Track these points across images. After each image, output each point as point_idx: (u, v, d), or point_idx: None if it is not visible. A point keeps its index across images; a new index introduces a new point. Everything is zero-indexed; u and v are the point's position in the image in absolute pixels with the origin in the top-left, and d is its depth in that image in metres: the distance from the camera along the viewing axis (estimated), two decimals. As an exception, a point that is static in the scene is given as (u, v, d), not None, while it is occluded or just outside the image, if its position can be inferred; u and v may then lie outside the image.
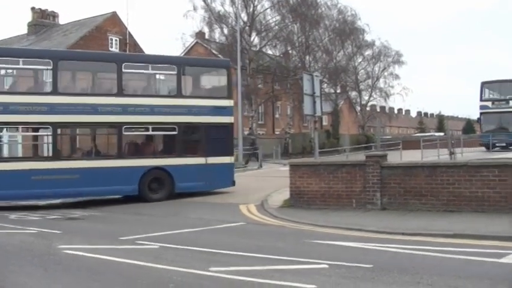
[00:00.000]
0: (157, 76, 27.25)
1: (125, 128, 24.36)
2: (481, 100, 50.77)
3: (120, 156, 24.46)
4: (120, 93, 24.35)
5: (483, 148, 48.18)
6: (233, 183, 26.52)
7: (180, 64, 26.18)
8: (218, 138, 25.80)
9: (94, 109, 23.77)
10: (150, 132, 25.78)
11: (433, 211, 17.17)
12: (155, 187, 24.81)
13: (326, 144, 58.03)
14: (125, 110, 24.19)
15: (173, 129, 25.33)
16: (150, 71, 26.05)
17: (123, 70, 24.45)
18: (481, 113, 51.10)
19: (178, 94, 25.57)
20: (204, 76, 29.02)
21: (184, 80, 26.51)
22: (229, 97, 27.07)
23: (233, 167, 27.51)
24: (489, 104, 50.41)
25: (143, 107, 24.64)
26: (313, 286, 8.86)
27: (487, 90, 51.53)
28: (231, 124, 26.94)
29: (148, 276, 10.10)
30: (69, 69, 25.90)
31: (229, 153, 27.01)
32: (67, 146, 25.90)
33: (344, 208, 18.88)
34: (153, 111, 24.72)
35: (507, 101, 50.18)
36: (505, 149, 46.34)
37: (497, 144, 48.12)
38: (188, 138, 26.26)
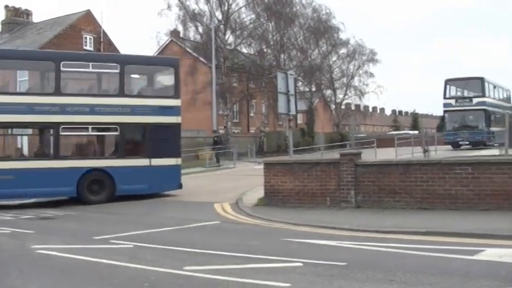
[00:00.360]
0: (98, 75, 26.57)
1: (63, 128, 23.77)
2: (445, 98, 50.84)
3: (57, 157, 23.83)
4: (58, 92, 23.77)
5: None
6: (180, 186, 25.74)
7: (123, 62, 25.44)
8: (164, 139, 25.01)
9: (30, 109, 23.20)
10: (90, 133, 25.25)
11: (407, 209, 17.25)
12: (96, 189, 24.14)
13: (301, 142, 58.09)
14: (62, 109, 23.59)
15: (115, 130, 24.84)
16: (91, 70, 25.46)
17: (62, 69, 23.84)
18: (444, 111, 51.20)
19: (121, 93, 24.95)
20: (150, 75, 28.34)
21: (128, 78, 25.98)
22: (176, 96, 26.26)
23: (180, 168, 26.41)
24: (452, 101, 50.44)
25: (82, 106, 24.06)
26: (288, 284, 8.87)
27: (451, 88, 51.62)
28: (178, 124, 26.05)
29: (123, 275, 10.08)
30: (4, 68, 25.51)
31: (176, 154, 26.04)
32: (2, 146, 25.25)
33: (318, 206, 18.93)
34: (93, 110, 24.12)
35: (471, 98, 50.33)
36: (475, 147, 46.40)
37: (460, 143, 48.18)
38: (131, 139, 25.67)
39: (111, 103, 24.65)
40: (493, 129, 48.78)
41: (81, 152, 25.45)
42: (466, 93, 51.69)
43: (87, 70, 25.44)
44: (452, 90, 51.63)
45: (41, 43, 51.80)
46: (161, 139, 24.92)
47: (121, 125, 24.57)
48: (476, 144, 46.65)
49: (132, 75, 27.14)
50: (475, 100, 49.67)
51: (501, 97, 56.14)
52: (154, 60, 30.17)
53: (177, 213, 19.99)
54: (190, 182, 31.97)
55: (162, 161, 24.99)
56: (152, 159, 24.86)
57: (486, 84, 50.71)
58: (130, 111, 24.67)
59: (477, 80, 50.70)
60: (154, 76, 28.37)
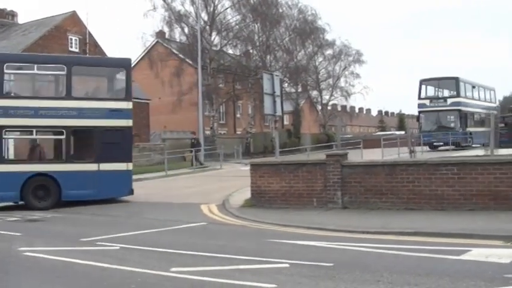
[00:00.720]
0: (44, 76, 25.86)
1: (6, 131, 23.26)
2: (419, 98, 50.49)
3: (0, 160, 23.17)
4: (1, 94, 23.19)
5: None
6: (131, 192, 24.82)
7: (71, 64, 24.61)
8: (114, 143, 24.07)
9: None
10: (34, 136, 24.53)
11: (394, 209, 17.31)
12: (41, 194, 23.26)
13: (287, 143, 58.23)
14: (5, 112, 22.94)
15: (60, 133, 23.98)
16: (36, 72, 24.53)
17: (5, 71, 23.33)
18: (419, 112, 50.83)
19: (68, 95, 24.06)
20: (100, 76, 27.39)
21: (76, 80, 25.02)
22: (127, 99, 25.16)
23: (131, 174, 25.31)
24: (427, 102, 50.07)
25: (26, 109, 23.27)
26: (274, 285, 8.86)
27: (427, 88, 51.25)
28: (129, 128, 25.09)
29: (110, 277, 10.05)
30: None
31: (127, 159, 24.81)
32: None
33: (305, 207, 18.94)
34: (37, 113, 23.29)
35: (445, 99, 50.07)
36: (459, 147, 46.21)
37: (435, 144, 47.78)
38: (79, 143, 24.84)
39: (57, 106, 23.92)
40: (470, 129, 48.66)
41: (26, 156, 24.91)
42: (441, 94, 51.42)
43: (33, 72, 24.61)
44: (427, 91, 51.28)
45: (26, 44, 51.69)
46: (111, 143, 24.07)
47: (67, 128, 23.82)
48: (458, 145, 46.56)
49: (81, 77, 26.08)
50: (449, 100, 49.41)
51: (482, 97, 55.76)
52: (104, 61, 29.23)
53: (163, 215, 19.94)
54: (176, 183, 32.08)
55: (112, 165, 24.12)
56: (101, 164, 24.01)
57: (462, 84, 50.41)
58: (77, 114, 23.91)
59: (451, 79, 50.46)
60: (104, 78, 27.46)
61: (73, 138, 24.38)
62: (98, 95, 26.58)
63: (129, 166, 24.98)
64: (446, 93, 50.91)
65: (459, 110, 48.55)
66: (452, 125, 48.94)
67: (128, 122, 24.88)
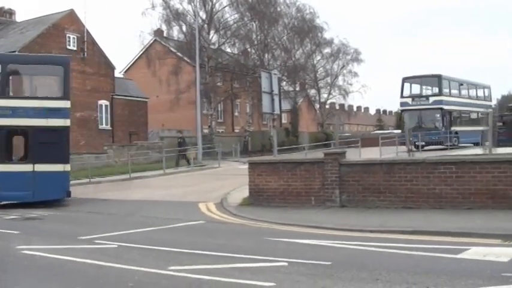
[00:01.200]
0: None
1: None
2: (402, 97, 49.48)
3: None
4: None
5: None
6: (68, 194, 24.30)
7: (6, 62, 24.41)
8: (50, 144, 23.40)
9: None
10: None
11: (392, 208, 17.30)
12: None
13: (285, 142, 58.07)
14: None
15: None
16: None
17: None
18: (401, 110, 50.29)
19: (1, 94, 23.75)
20: (36, 75, 26.42)
21: (11, 78, 24.77)
22: (65, 98, 24.62)
23: (68, 175, 24.87)
24: (409, 100, 49.10)
25: None
26: (272, 284, 8.86)
27: (410, 86, 50.31)
28: (67, 128, 24.56)
29: (107, 275, 10.05)
30: None
31: (63, 160, 24.21)
32: None
33: (303, 206, 18.95)
34: None
35: (427, 97, 49.09)
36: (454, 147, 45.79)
37: (416, 143, 47.01)
38: (13, 143, 24.59)
39: None
40: (456, 128, 48.13)
41: None
42: (425, 92, 50.30)
43: None
44: (410, 89, 50.30)
45: (24, 42, 51.56)
46: (47, 143, 23.40)
47: (1, 128, 23.51)
48: (437, 144, 46.01)
49: (16, 75, 25.84)
50: (431, 99, 48.34)
51: (473, 95, 54.87)
52: (41, 59, 28.44)
53: (161, 213, 19.96)
54: (174, 181, 32.07)
55: (47, 167, 23.54)
56: (36, 165, 23.51)
57: (445, 81, 49.43)
58: (11, 113, 23.53)
59: (434, 77, 49.39)
60: (41, 76, 26.87)
61: (8, 138, 24.03)
62: (34, 94, 25.65)
63: (66, 167, 24.43)
64: (429, 91, 50.35)
65: (441, 109, 47.59)
66: (436, 124, 48.09)
67: (65, 122, 24.41)
